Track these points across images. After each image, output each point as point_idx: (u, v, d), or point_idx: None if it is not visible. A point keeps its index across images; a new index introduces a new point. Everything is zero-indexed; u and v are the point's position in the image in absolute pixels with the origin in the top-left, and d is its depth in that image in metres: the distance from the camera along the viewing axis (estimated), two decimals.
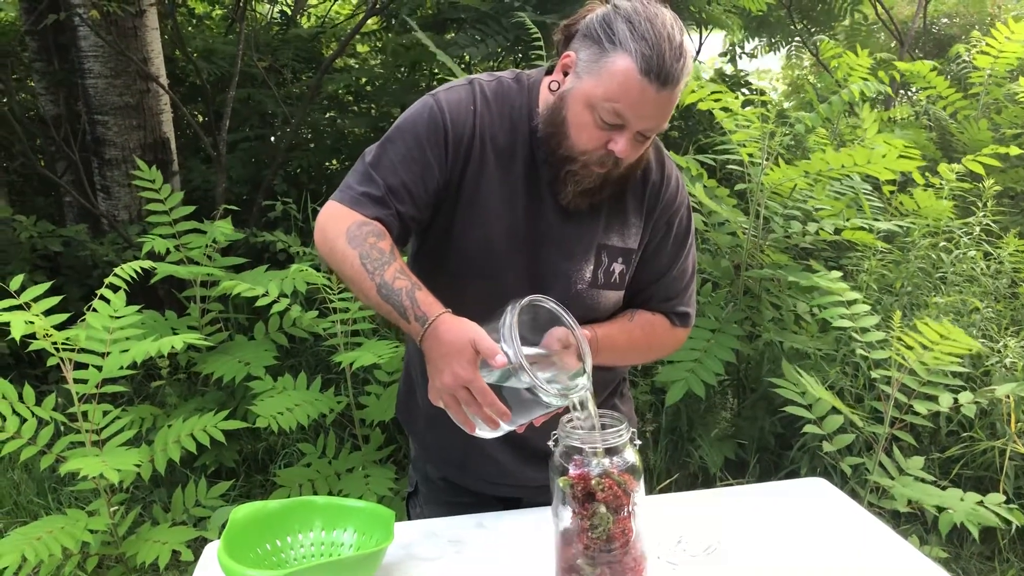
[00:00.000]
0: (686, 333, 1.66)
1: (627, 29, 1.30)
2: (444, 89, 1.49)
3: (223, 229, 3.29)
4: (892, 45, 6.72)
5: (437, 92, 1.48)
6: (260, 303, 2.86)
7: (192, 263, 3.24)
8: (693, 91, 3.10)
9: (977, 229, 3.52)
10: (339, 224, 1.39)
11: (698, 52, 6.76)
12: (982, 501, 2.40)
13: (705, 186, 3.21)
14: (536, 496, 1.60)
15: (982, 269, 3.44)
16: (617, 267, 1.52)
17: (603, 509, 1.22)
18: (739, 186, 3.20)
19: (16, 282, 2.23)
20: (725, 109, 3.14)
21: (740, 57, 6.49)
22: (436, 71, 6.07)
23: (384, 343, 2.88)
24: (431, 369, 1.29)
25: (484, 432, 1.30)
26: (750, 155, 3.05)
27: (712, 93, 3.07)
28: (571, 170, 1.40)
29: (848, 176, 3.23)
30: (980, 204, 3.55)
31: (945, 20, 7.50)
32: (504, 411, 1.24)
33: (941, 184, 3.68)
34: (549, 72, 1.49)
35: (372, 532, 1.39)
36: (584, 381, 1.28)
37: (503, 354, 1.21)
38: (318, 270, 3.07)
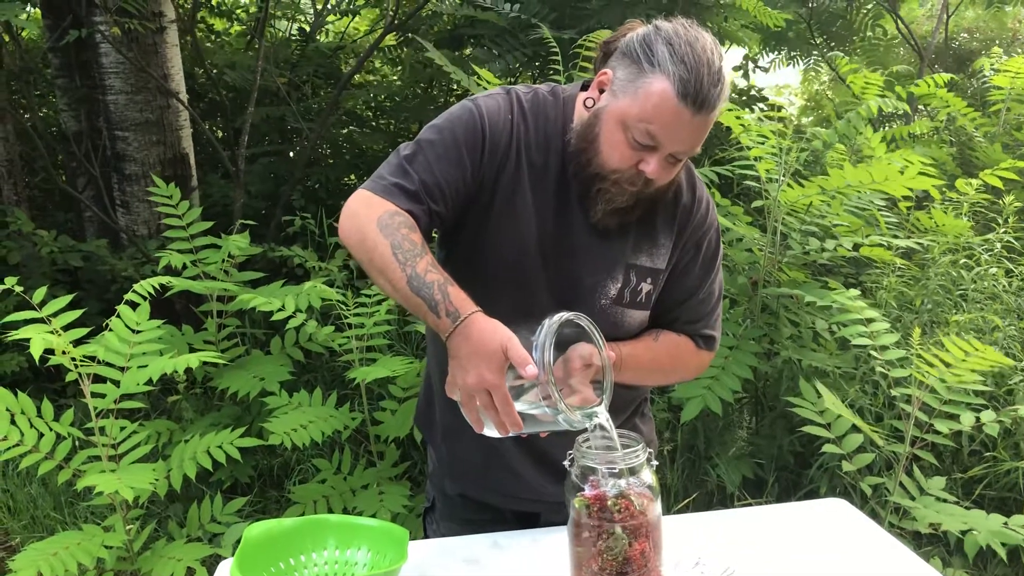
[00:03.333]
0: (710, 357, 1.64)
1: (667, 51, 1.29)
2: (483, 96, 1.49)
3: (239, 243, 3.30)
4: (912, 60, 6.69)
5: (476, 98, 1.48)
6: (276, 317, 2.87)
7: (209, 278, 3.25)
8: None
9: (998, 246, 3.48)
10: (370, 211, 1.36)
11: None
12: (1007, 523, 2.36)
13: (718, 204, 3.19)
14: (554, 512, 1.59)
15: (1004, 286, 3.40)
16: (645, 287, 1.51)
17: (619, 530, 1.20)
18: (756, 203, 3.19)
19: (39, 294, 2.25)
20: (743, 126, 3.13)
21: (754, 71, 6.48)
22: (454, 87, 6.09)
23: (399, 359, 2.88)
24: (454, 365, 1.27)
25: (491, 432, 1.29)
26: (767, 171, 3.03)
27: (730, 109, 3.06)
28: (602, 188, 1.40)
29: (865, 192, 3.21)
30: (1001, 220, 3.51)
31: (965, 35, 7.46)
32: (518, 423, 1.24)
33: (960, 199, 3.64)
34: (585, 88, 1.49)
35: (386, 551, 1.37)
36: (602, 409, 1.27)
37: (534, 365, 1.20)
38: (333, 286, 3.07)
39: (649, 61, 1.31)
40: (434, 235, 1.56)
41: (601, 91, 1.40)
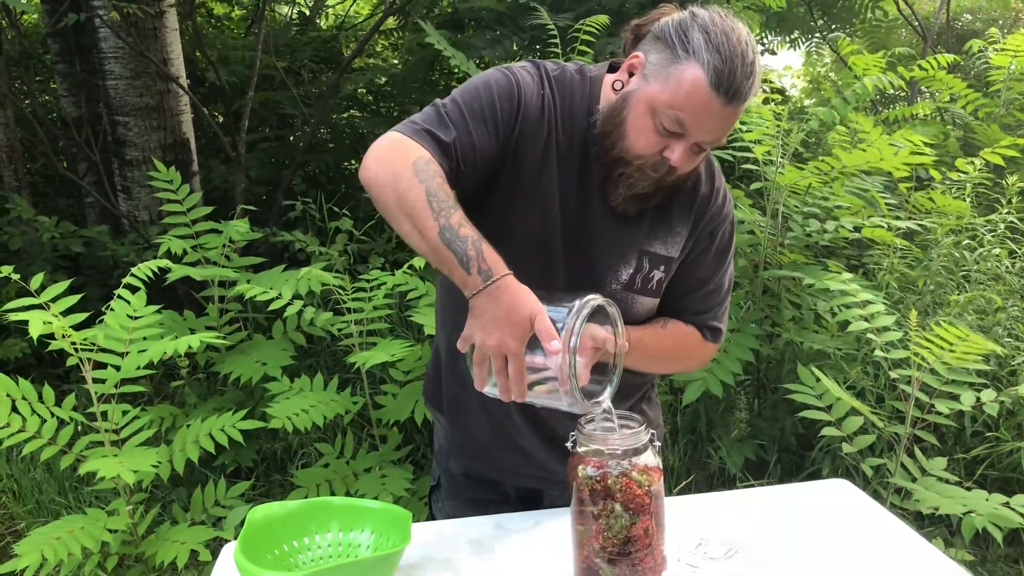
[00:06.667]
0: (715, 349, 1.64)
1: (702, 39, 1.28)
2: (517, 67, 1.46)
3: (239, 228, 3.30)
4: (914, 41, 6.65)
5: (511, 67, 1.45)
6: (274, 306, 2.87)
7: (210, 263, 3.25)
8: None
9: (1001, 226, 3.47)
10: (405, 154, 1.30)
11: None
12: (1008, 502, 2.36)
13: None
14: (557, 491, 1.60)
15: (1007, 267, 3.39)
16: (657, 274, 1.50)
17: (619, 508, 1.20)
18: (755, 185, 3.18)
19: (36, 281, 2.25)
20: None
21: (762, 54, 6.44)
22: (455, 70, 6.06)
23: (399, 342, 2.88)
24: (475, 324, 1.24)
25: (491, 393, 1.28)
26: (766, 153, 3.02)
27: None
28: (625, 172, 1.39)
29: (866, 173, 3.19)
30: (1004, 201, 3.50)
31: (967, 16, 7.41)
32: (524, 394, 1.23)
33: (962, 179, 3.63)
34: (611, 70, 1.48)
35: (389, 533, 1.38)
36: (607, 398, 1.27)
37: (558, 342, 1.18)
38: (332, 270, 3.07)
39: (684, 48, 1.29)
40: None
41: (631, 74, 1.38)
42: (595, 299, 1.24)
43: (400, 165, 1.28)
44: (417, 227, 1.26)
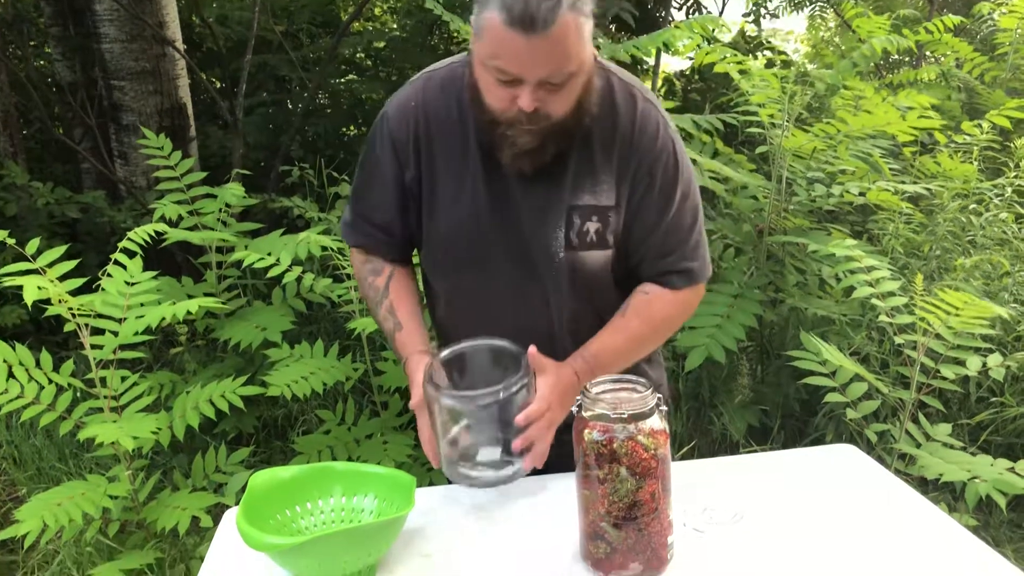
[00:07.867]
0: (696, 293, 1.57)
1: None
2: (399, 92, 1.54)
3: (234, 192, 3.26)
4: (920, 4, 6.57)
5: (391, 100, 1.55)
6: (272, 274, 2.83)
7: (207, 229, 3.21)
8: (708, 52, 3.07)
9: (1009, 190, 3.43)
10: (352, 262, 1.66)
11: (721, 12, 6.68)
12: (1012, 468, 2.35)
13: (717, 151, 3.16)
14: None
15: (1014, 232, 3.36)
16: (591, 226, 1.46)
17: (624, 472, 1.19)
18: (760, 149, 3.14)
19: (32, 246, 2.21)
20: (743, 71, 3.07)
21: (765, 17, 6.37)
22: (455, 34, 5.99)
23: None
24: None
25: (481, 475, 1.39)
26: (770, 116, 2.98)
27: (727, 57, 3.02)
28: (500, 132, 1.37)
29: (870, 137, 3.15)
30: (1011, 165, 3.46)
31: None
32: (426, 439, 1.42)
33: (968, 142, 3.59)
34: None
35: (393, 498, 1.36)
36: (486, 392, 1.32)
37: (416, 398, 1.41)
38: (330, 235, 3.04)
39: None
40: None
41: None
42: (449, 349, 1.39)
43: (357, 281, 1.67)
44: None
